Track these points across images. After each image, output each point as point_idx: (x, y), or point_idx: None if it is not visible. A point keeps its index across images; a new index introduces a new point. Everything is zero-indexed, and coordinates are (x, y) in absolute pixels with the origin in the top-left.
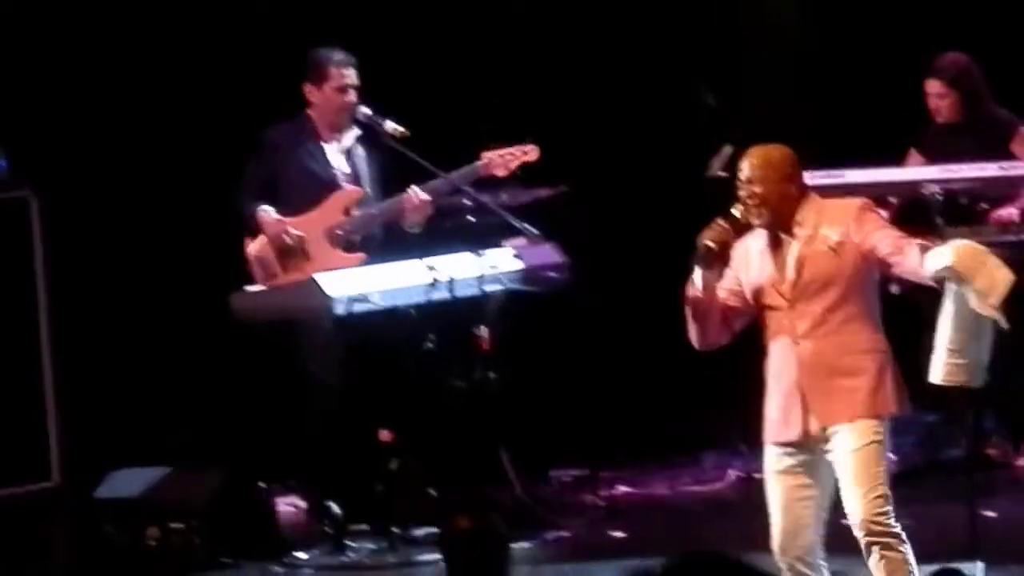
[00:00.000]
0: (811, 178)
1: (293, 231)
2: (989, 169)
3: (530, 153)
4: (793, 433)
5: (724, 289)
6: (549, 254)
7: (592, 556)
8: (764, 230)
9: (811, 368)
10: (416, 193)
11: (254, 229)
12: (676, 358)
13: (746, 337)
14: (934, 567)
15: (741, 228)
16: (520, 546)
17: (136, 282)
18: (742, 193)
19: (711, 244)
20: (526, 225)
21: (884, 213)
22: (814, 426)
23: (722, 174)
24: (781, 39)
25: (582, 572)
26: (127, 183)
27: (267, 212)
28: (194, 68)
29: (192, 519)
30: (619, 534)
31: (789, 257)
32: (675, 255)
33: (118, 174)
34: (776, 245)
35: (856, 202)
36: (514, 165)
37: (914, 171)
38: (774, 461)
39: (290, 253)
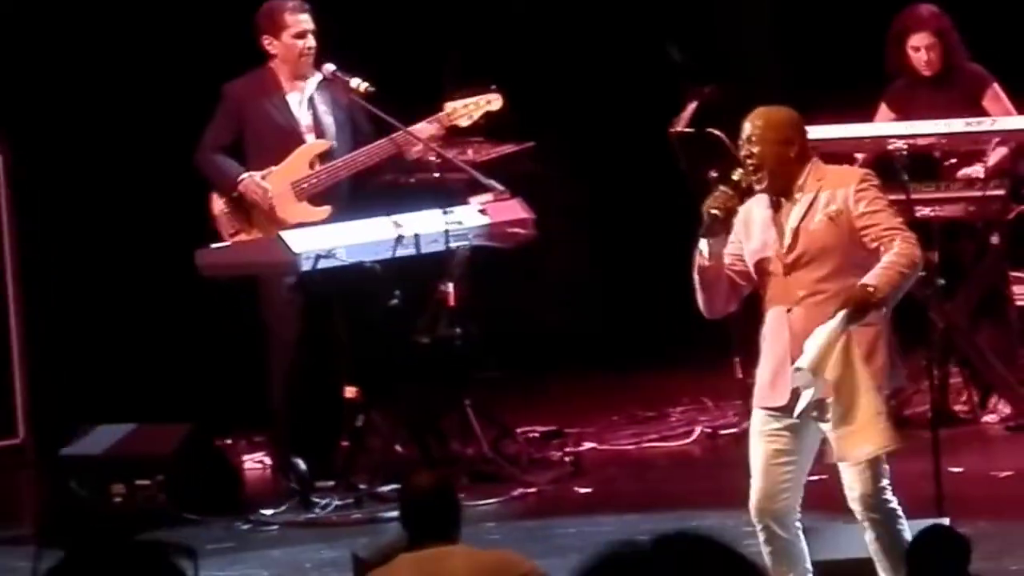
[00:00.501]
0: None
1: (269, 192)
2: (955, 125)
3: (493, 101)
4: (781, 399)
5: (729, 255)
6: (515, 210)
7: (558, 512)
8: (765, 194)
9: (802, 336)
10: (407, 138)
11: (225, 186)
12: (642, 313)
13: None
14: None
15: (743, 192)
16: (486, 502)
17: (102, 239)
18: (741, 153)
19: (716, 211)
20: (492, 181)
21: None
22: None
23: (688, 129)
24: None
25: (548, 528)
26: (92, 141)
27: (246, 177)
28: (156, 23)
29: (157, 476)
30: (585, 490)
31: (787, 224)
32: (642, 210)
33: (84, 132)
34: (777, 209)
35: (858, 173)
36: (477, 114)
37: (880, 127)
38: (759, 423)
39: (257, 208)
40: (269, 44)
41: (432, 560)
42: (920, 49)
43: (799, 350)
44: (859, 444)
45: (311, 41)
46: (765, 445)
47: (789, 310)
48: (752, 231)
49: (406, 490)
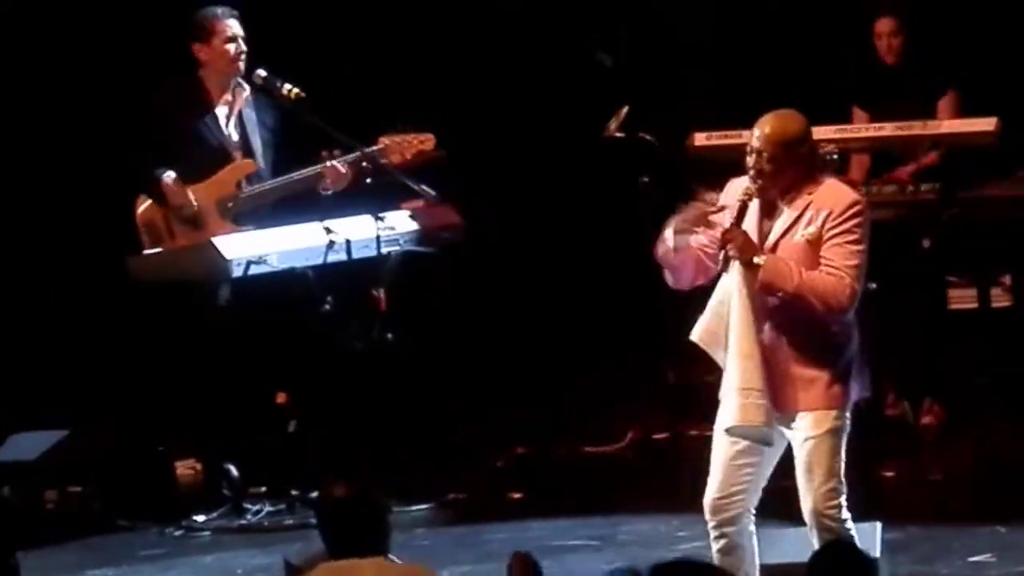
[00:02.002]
0: (708, 138)
1: (193, 202)
2: (886, 129)
3: (426, 142)
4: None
5: (709, 237)
6: (445, 215)
7: (489, 518)
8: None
9: (771, 352)
10: (336, 165)
11: (154, 193)
12: (573, 317)
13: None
14: None
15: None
16: (416, 508)
17: (32, 245)
18: (750, 161)
19: (732, 253)
20: (423, 186)
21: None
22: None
23: (619, 134)
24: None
25: (478, 534)
26: (25, 146)
27: (171, 178)
28: (83, 29)
29: (90, 482)
30: (517, 495)
31: (769, 237)
32: (573, 214)
33: (15, 137)
34: (764, 212)
35: (847, 198)
36: (410, 153)
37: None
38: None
39: (181, 221)
40: (199, 51)
41: (343, 571)
42: (883, 36)
43: (768, 365)
44: (729, 411)
45: (241, 46)
46: (727, 445)
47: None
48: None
49: (320, 501)
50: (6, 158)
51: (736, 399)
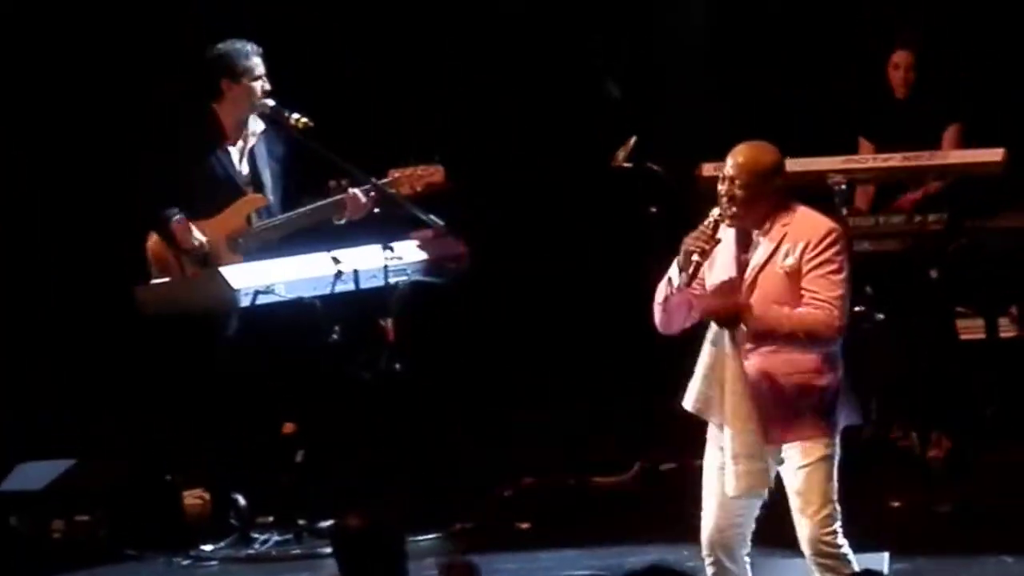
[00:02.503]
0: (716, 169)
1: (202, 241)
2: (894, 160)
3: (436, 175)
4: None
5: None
6: (452, 245)
7: (497, 548)
8: (731, 229)
9: (756, 383)
10: (358, 194)
11: (164, 233)
12: (581, 347)
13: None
14: None
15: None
16: (425, 538)
17: (41, 274)
18: (722, 189)
19: (697, 255)
20: (431, 216)
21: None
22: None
23: (627, 164)
24: (690, 30)
25: (487, 564)
26: (33, 175)
27: (180, 221)
28: (96, 58)
29: (98, 511)
30: (524, 526)
31: (749, 269)
32: (580, 245)
33: (22, 165)
34: (742, 247)
35: (823, 227)
36: (419, 185)
37: (818, 161)
38: (713, 457)
39: (191, 257)
40: (228, 87)
41: None
42: (900, 68)
43: (755, 397)
44: (727, 480)
45: (267, 84)
46: (719, 479)
47: (746, 357)
48: (715, 264)
49: (336, 532)
50: (16, 186)
51: (738, 466)
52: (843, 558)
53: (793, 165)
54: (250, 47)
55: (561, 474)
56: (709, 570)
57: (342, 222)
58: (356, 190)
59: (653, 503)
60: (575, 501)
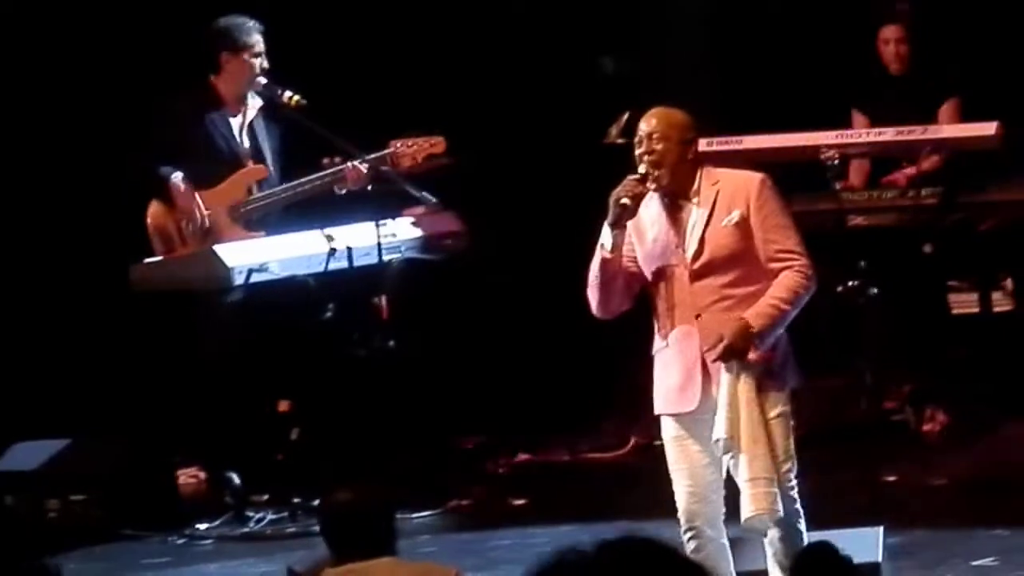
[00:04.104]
0: (709, 144)
1: (201, 205)
2: (887, 134)
3: (437, 146)
4: (690, 404)
5: (624, 255)
6: (447, 222)
7: (493, 524)
8: (659, 195)
9: (710, 340)
10: (358, 166)
11: (164, 194)
12: (575, 323)
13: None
14: (834, 531)
15: (645, 187)
16: (421, 515)
17: (34, 253)
18: (640, 150)
19: (626, 201)
20: (424, 194)
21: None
22: (715, 392)
23: (621, 140)
24: (685, 4)
25: (483, 540)
26: (26, 153)
27: (181, 181)
28: (91, 35)
29: (93, 491)
30: (520, 502)
31: (690, 230)
32: (574, 221)
33: (16, 143)
34: (673, 213)
35: (755, 178)
36: (421, 157)
37: (811, 136)
38: (674, 429)
39: (192, 226)
40: (227, 60)
41: (354, 574)
42: (890, 42)
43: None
44: (743, 503)
45: (266, 63)
46: (686, 449)
47: (698, 316)
48: (644, 235)
49: (324, 507)
50: (8, 161)
51: (758, 489)
52: (798, 512)
53: (785, 140)
54: (252, 23)
55: (556, 450)
56: (690, 544)
57: (343, 192)
58: (355, 162)
59: (648, 479)
60: (570, 477)
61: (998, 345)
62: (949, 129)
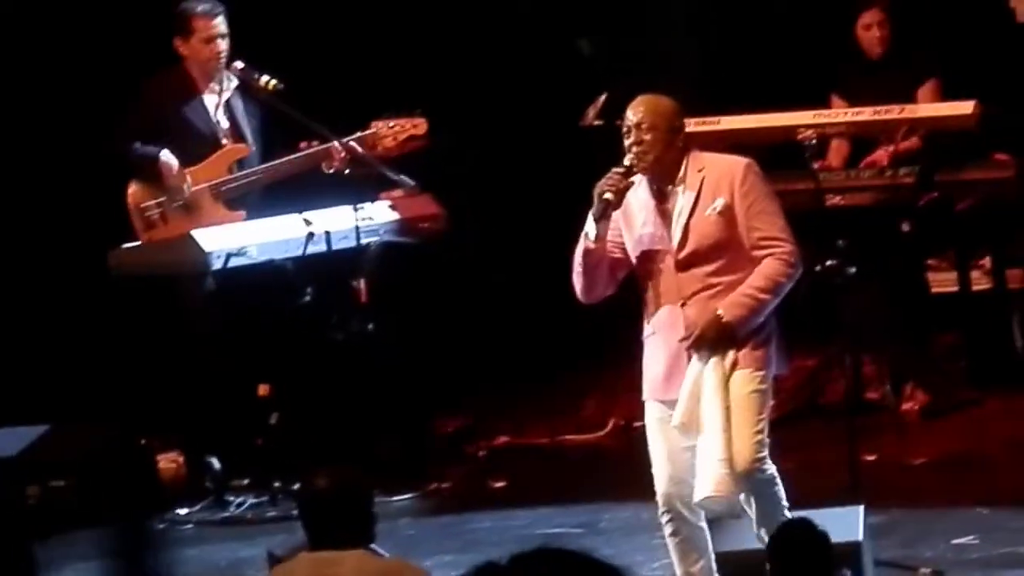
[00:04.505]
0: (687, 126)
1: (187, 177)
2: (864, 114)
3: (419, 126)
4: (675, 391)
5: (609, 242)
6: (425, 205)
7: (473, 507)
8: (646, 182)
9: (697, 317)
10: (337, 146)
11: (151, 172)
12: (554, 306)
13: (634, 285)
14: (815, 511)
15: (631, 176)
16: (401, 498)
17: (12, 239)
18: (629, 140)
19: (609, 196)
20: (402, 176)
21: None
22: None
23: (598, 122)
24: None
25: (463, 523)
26: (3, 137)
27: (167, 155)
28: (66, 20)
29: (72, 476)
30: (499, 484)
31: (675, 219)
32: (553, 203)
33: None
34: (660, 200)
35: (740, 163)
36: (402, 137)
37: (789, 116)
38: (657, 412)
39: (174, 205)
40: (180, 46)
41: (325, 563)
42: (871, 26)
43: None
44: (697, 484)
45: (220, 46)
46: (665, 433)
47: (683, 304)
48: (633, 221)
49: (302, 492)
50: None
51: (718, 469)
52: (772, 479)
53: (763, 120)
54: (203, 6)
55: (535, 432)
56: (668, 528)
57: (331, 171)
58: (338, 142)
59: (626, 461)
60: (549, 459)
61: (977, 324)
62: (926, 108)
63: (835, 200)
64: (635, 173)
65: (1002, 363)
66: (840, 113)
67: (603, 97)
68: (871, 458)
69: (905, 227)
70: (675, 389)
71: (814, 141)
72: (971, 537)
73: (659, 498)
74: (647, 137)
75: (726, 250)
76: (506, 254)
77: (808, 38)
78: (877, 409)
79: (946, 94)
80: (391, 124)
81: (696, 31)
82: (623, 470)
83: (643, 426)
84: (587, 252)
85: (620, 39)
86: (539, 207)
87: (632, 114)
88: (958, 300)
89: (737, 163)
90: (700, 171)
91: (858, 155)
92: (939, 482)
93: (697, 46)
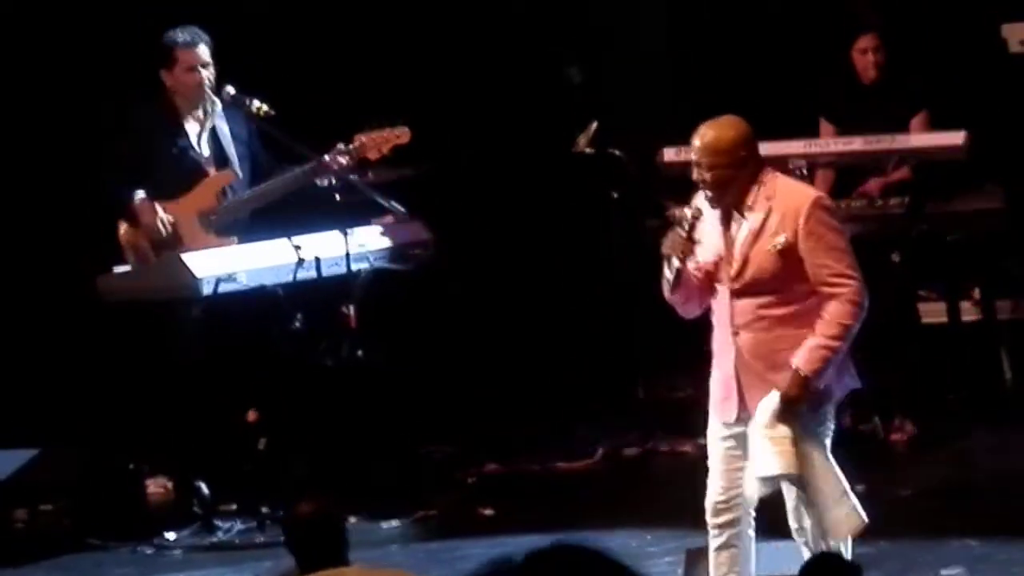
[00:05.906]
0: (677, 154)
1: (167, 219)
2: (855, 143)
3: (402, 136)
4: (729, 416)
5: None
6: (415, 232)
7: (461, 534)
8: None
9: (747, 361)
10: (327, 160)
11: (128, 215)
12: (543, 333)
13: (623, 313)
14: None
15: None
16: (389, 524)
17: (3, 263)
18: (694, 176)
19: (676, 261)
20: (393, 203)
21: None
22: (746, 415)
23: (589, 150)
24: (650, 13)
25: (451, 550)
26: None
27: (142, 199)
28: (53, 47)
29: (61, 500)
30: (488, 511)
31: (736, 245)
32: (543, 230)
33: None
34: (727, 223)
35: (809, 197)
36: (386, 148)
37: (781, 145)
38: (716, 427)
39: (163, 238)
40: (164, 77)
41: None
42: (867, 51)
43: (744, 372)
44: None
45: (201, 75)
46: (721, 447)
47: (736, 333)
48: (704, 239)
49: (288, 519)
50: None
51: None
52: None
53: None
54: (184, 37)
55: (524, 460)
56: (713, 536)
57: (324, 184)
58: (327, 156)
59: (616, 489)
60: (538, 487)
61: (966, 355)
62: (917, 139)
63: None
64: (697, 224)
65: (991, 394)
66: (831, 143)
67: (594, 125)
68: (859, 488)
69: (895, 257)
70: (728, 413)
71: (805, 171)
72: (959, 569)
73: (707, 510)
74: (707, 176)
75: (781, 284)
76: (497, 280)
77: (797, 63)
78: (866, 439)
79: (938, 124)
80: (375, 136)
81: (681, 58)
82: (612, 498)
83: (631, 455)
84: (672, 293)
85: (605, 67)
86: (530, 234)
87: (694, 153)
88: (947, 331)
89: (805, 198)
90: (769, 200)
91: (843, 185)
92: (927, 513)
93: (683, 71)
